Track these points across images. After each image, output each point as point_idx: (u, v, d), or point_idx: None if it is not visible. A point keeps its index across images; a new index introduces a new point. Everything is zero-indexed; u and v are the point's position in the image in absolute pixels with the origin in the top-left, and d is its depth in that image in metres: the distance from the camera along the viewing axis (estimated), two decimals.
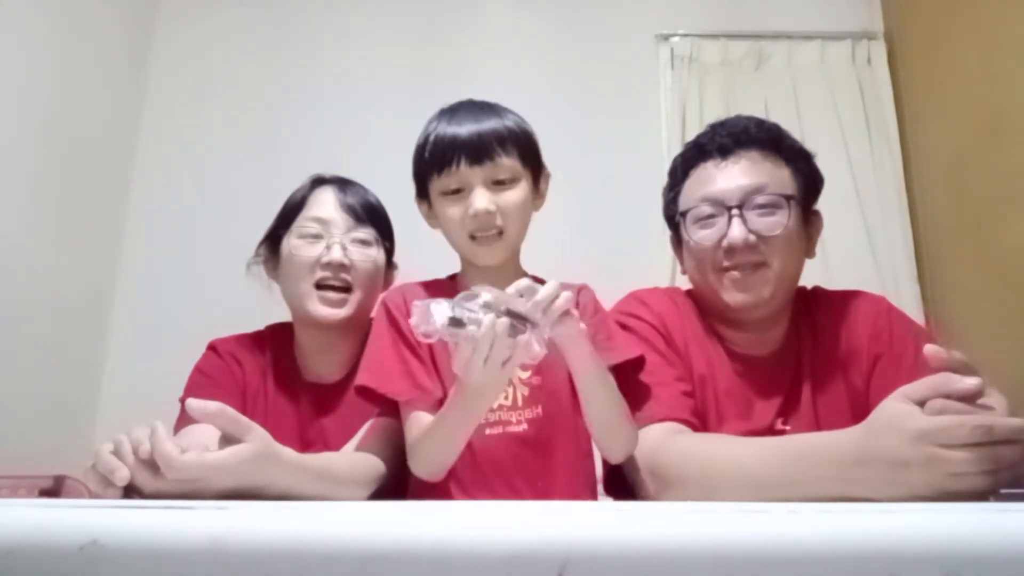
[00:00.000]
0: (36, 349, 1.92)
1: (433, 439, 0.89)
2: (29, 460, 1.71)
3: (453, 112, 1.02)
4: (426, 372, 0.97)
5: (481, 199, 0.96)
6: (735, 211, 1.01)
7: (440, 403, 0.92)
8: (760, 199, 1.01)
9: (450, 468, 0.91)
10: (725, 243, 1.01)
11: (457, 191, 0.98)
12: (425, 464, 0.91)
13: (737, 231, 1.00)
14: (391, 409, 0.98)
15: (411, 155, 1.04)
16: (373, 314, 1.22)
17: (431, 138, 1.00)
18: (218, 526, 0.41)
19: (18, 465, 1.63)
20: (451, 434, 0.88)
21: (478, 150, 0.96)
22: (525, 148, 1.01)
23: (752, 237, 1.00)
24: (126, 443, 0.70)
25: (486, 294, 0.77)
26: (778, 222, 1.00)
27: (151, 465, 0.68)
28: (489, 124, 0.98)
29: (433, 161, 0.98)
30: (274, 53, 2.56)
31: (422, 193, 1.05)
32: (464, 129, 0.97)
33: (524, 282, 0.81)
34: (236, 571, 0.39)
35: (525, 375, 0.99)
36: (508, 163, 0.98)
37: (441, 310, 0.75)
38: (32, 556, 0.40)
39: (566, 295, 0.81)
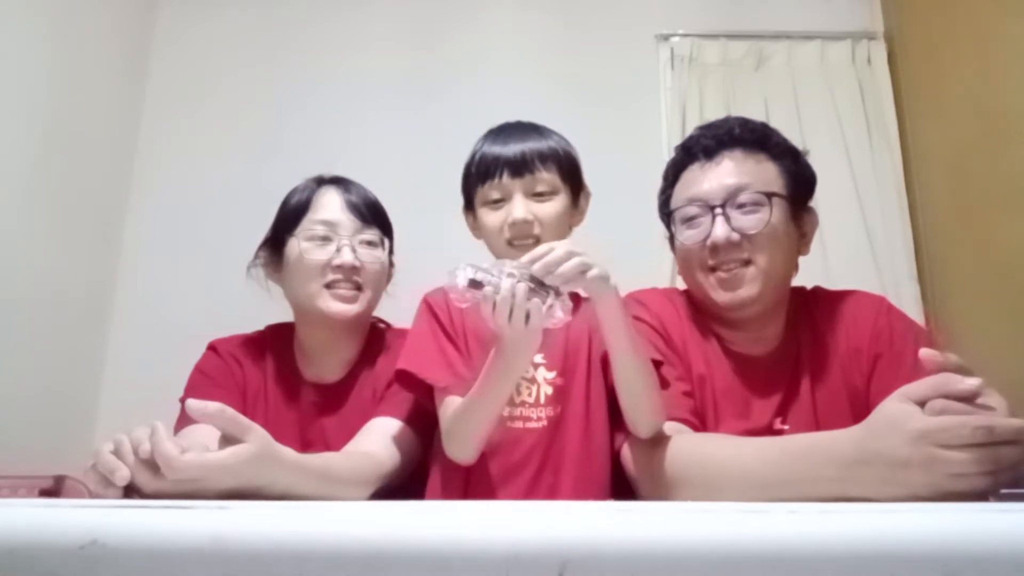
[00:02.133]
0: (36, 349, 1.92)
1: (468, 412, 0.94)
2: (29, 460, 1.71)
3: (500, 132, 1.11)
4: (463, 362, 1.02)
5: (519, 208, 1.04)
6: (718, 210, 1.03)
7: None
8: (743, 198, 1.03)
9: (470, 463, 0.97)
10: (709, 242, 1.03)
11: (498, 201, 1.06)
12: (460, 441, 0.96)
13: (720, 229, 1.02)
14: (425, 396, 1.03)
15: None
16: (375, 312, 1.23)
17: (477, 156, 1.09)
18: (218, 526, 0.41)
19: (18, 465, 1.63)
20: (486, 404, 0.94)
21: (519, 164, 1.05)
22: (565, 165, 1.09)
23: (735, 235, 1.02)
24: (126, 443, 0.70)
25: (510, 263, 0.86)
26: (761, 219, 1.02)
27: (151, 465, 0.67)
28: (531, 143, 1.07)
29: (479, 174, 1.07)
30: (274, 53, 2.56)
31: (469, 206, 1.13)
32: (508, 147, 1.06)
33: (544, 247, 0.87)
34: (236, 571, 0.39)
35: (551, 375, 1.04)
36: (547, 177, 1.06)
37: (464, 273, 0.84)
38: (32, 556, 0.40)
39: (575, 261, 0.85)
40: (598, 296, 0.89)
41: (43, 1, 2.00)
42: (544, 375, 1.04)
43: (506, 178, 1.05)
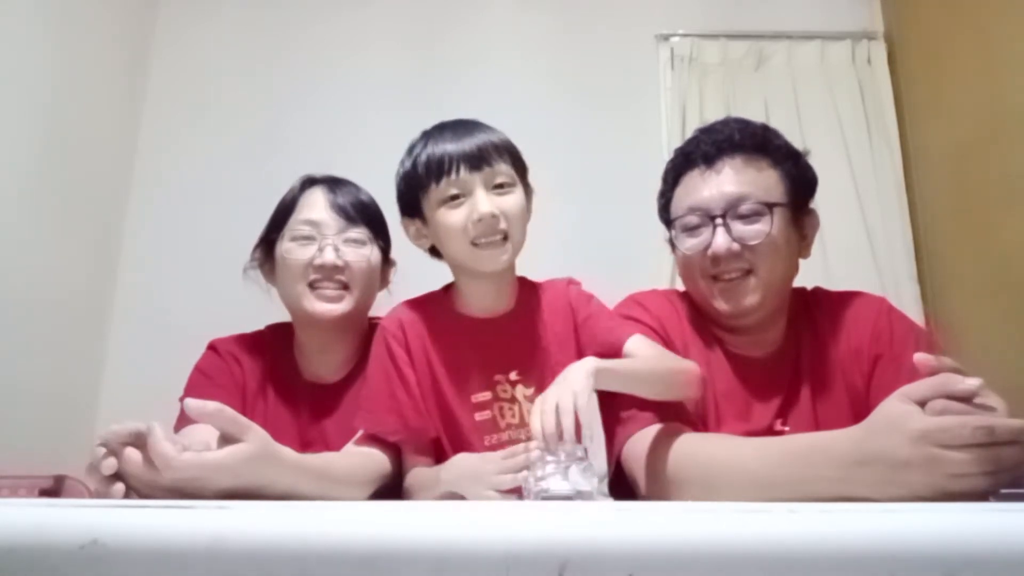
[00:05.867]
0: (36, 349, 1.92)
1: (414, 496, 0.96)
2: (29, 460, 1.71)
3: (440, 131, 1.02)
4: (415, 409, 1.01)
5: (484, 203, 0.96)
6: (719, 220, 1.02)
7: (432, 443, 1.00)
8: (743, 208, 1.02)
9: None
10: (710, 252, 1.02)
11: (456, 197, 0.97)
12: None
13: (721, 240, 1.02)
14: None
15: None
16: (375, 311, 1.23)
17: (423, 156, 0.99)
18: (218, 526, 0.41)
19: (18, 465, 1.63)
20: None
21: (476, 157, 0.97)
22: (518, 159, 1.03)
23: (736, 246, 1.01)
24: (114, 434, 0.69)
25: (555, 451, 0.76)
26: (761, 230, 1.01)
27: (150, 465, 0.67)
28: (481, 135, 1.00)
29: (429, 173, 0.98)
30: (274, 53, 2.56)
31: (410, 212, 1.05)
32: (457, 143, 0.98)
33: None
34: (236, 571, 0.39)
35: (530, 391, 1.01)
36: (505, 168, 1.00)
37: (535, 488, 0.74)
38: (32, 556, 0.40)
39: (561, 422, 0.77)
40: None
41: (43, 1, 2.00)
42: (523, 392, 1.00)
43: (464, 172, 0.96)
